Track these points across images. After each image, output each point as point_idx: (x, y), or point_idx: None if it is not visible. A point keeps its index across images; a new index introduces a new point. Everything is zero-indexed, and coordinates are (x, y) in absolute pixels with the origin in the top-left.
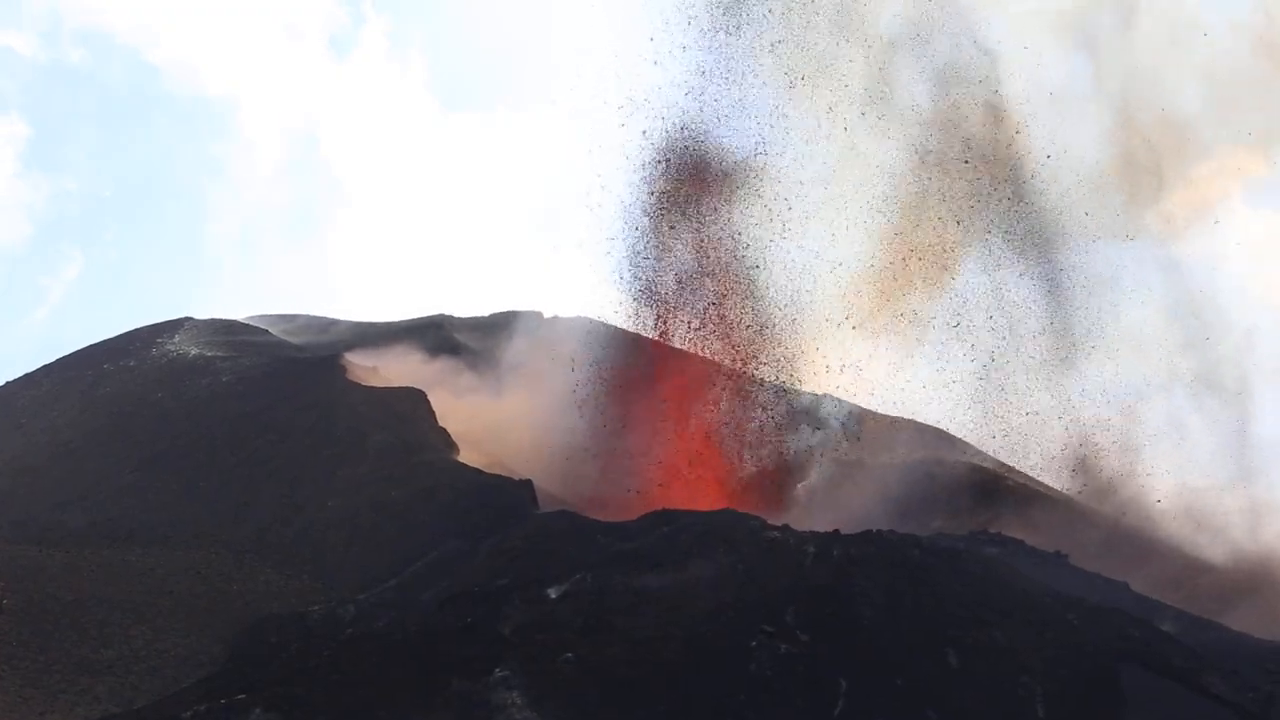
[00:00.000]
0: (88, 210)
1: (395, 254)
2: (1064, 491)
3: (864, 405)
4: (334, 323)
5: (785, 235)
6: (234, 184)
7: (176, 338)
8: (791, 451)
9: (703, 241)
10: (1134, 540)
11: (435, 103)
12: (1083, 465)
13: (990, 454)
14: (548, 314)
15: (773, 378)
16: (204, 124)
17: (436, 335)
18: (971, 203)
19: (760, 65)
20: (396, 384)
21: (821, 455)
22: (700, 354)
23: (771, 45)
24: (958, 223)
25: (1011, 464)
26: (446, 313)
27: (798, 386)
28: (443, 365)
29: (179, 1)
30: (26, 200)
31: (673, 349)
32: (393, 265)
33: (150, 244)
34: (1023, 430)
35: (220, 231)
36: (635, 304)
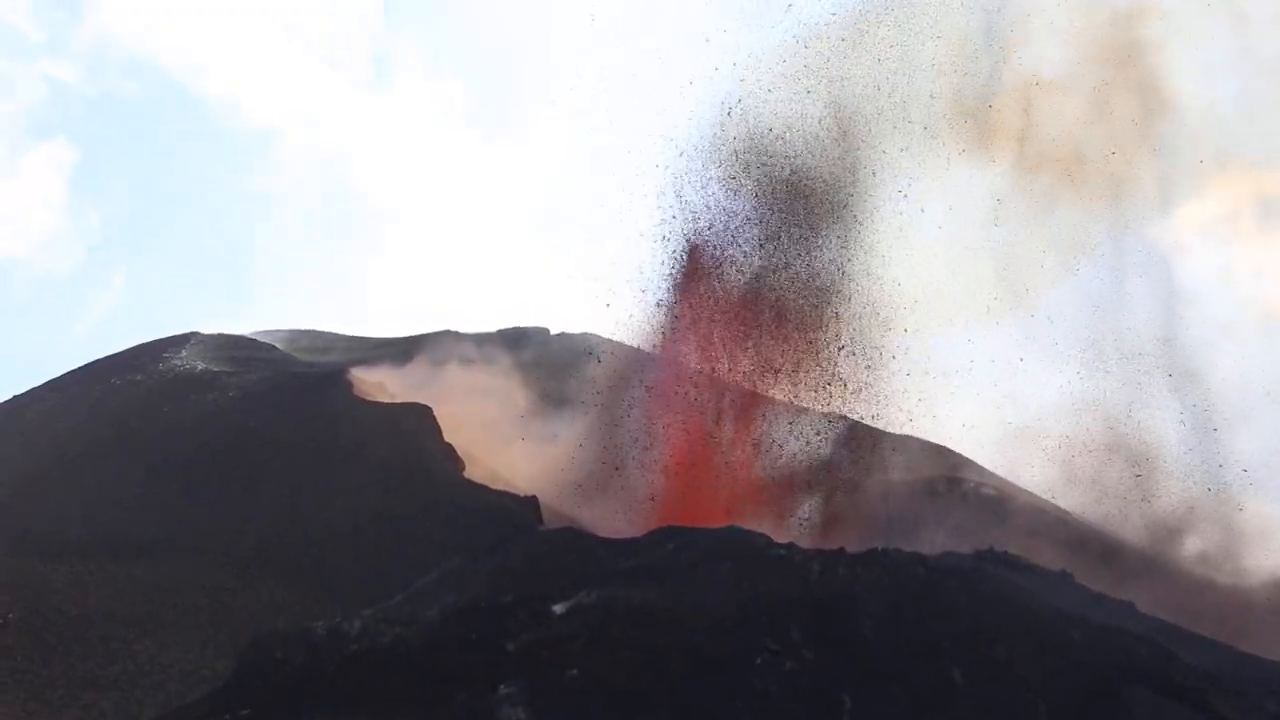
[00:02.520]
0: (129, 234)
1: (423, 272)
2: (1071, 510)
3: (869, 421)
4: (340, 338)
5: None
6: (272, 209)
7: (183, 352)
8: (800, 469)
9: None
10: (1147, 558)
11: (472, 130)
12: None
13: (998, 473)
14: (554, 330)
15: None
16: (244, 151)
17: (443, 350)
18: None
19: None
20: (402, 399)
21: (829, 473)
22: (713, 370)
23: None
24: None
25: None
26: (452, 328)
27: (810, 405)
28: (449, 380)
29: (218, 29)
30: (73, 225)
31: (679, 364)
32: (421, 282)
33: (189, 267)
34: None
35: (258, 256)
36: (664, 315)
